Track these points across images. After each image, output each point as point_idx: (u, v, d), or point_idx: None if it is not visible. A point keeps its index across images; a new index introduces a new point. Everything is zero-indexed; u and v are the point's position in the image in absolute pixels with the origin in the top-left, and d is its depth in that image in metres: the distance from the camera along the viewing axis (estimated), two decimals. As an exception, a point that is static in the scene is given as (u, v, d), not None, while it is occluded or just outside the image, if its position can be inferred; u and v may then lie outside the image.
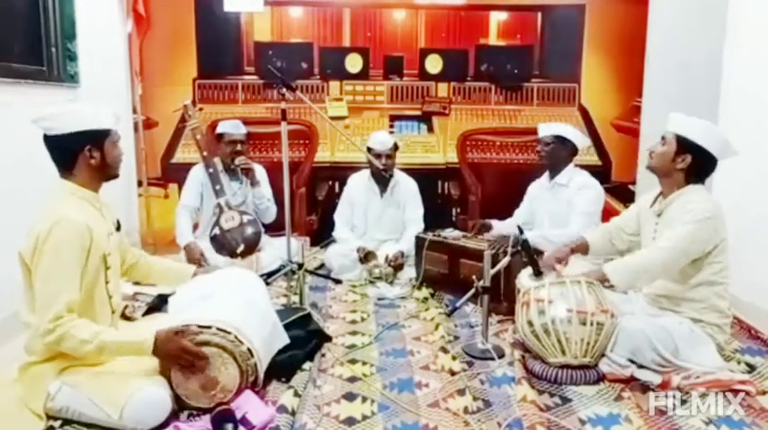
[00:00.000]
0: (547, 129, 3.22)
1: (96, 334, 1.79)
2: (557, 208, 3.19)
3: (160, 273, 2.37)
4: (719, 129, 2.29)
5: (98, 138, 1.93)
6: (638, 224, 2.52)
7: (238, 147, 3.48)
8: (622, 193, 4.12)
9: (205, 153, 3.44)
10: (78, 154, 1.91)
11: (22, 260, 1.83)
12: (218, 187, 3.42)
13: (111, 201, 2.13)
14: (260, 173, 3.61)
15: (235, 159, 3.49)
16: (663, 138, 2.33)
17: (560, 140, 3.17)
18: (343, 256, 3.52)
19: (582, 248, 2.62)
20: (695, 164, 2.26)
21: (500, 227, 3.35)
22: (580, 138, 3.23)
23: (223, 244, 3.41)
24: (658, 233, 2.35)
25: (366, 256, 3.42)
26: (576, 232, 2.95)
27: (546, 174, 3.31)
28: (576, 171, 3.22)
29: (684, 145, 2.26)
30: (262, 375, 2.03)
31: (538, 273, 2.44)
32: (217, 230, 3.42)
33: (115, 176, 2.03)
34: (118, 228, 2.10)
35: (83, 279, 1.85)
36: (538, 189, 3.38)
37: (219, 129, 3.53)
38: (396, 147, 3.60)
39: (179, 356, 1.86)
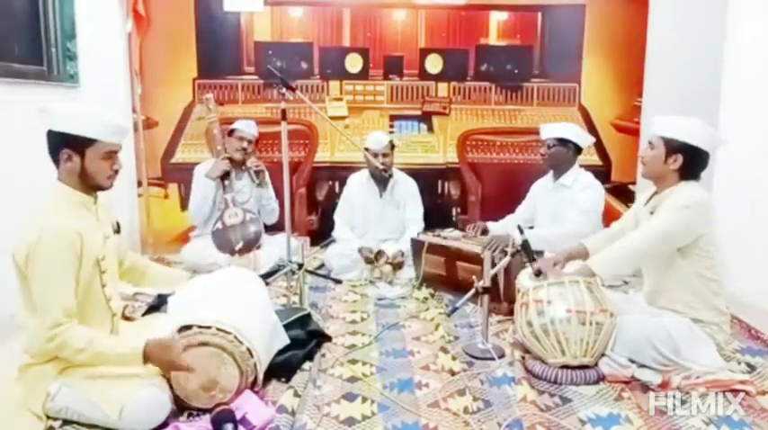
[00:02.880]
0: (548, 132, 3.21)
1: (90, 342, 1.79)
2: (559, 209, 3.19)
3: (155, 277, 2.35)
4: (704, 123, 2.29)
5: (78, 145, 1.87)
6: (636, 224, 2.52)
7: (245, 144, 3.54)
8: (622, 193, 4.12)
9: (219, 147, 3.51)
10: (57, 154, 1.88)
11: (16, 264, 1.83)
12: (226, 182, 3.46)
13: (110, 201, 2.13)
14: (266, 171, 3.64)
15: (246, 161, 3.56)
16: (650, 143, 2.34)
17: (563, 142, 3.16)
18: (343, 256, 3.52)
19: (582, 255, 2.57)
20: (687, 162, 2.26)
21: (496, 228, 3.35)
22: (583, 138, 3.23)
23: (223, 239, 3.44)
24: None
25: (376, 256, 3.41)
26: (571, 230, 2.95)
27: (550, 174, 3.30)
28: (581, 172, 3.21)
29: (673, 146, 2.26)
30: (261, 375, 2.03)
31: (538, 274, 2.44)
32: (219, 225, 3.47)
33: (100, 188, 1.96)
34: (117, 231, 2.09)
35: (78, 284, 1.85)
36: (541, 189, 3.37)
37: (233, 125, 3.61)
38: (392, 146, 3.60)
39: (168, 369, 1.88)
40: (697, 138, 2.25)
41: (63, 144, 1.87)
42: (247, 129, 3.57)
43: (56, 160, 1.90)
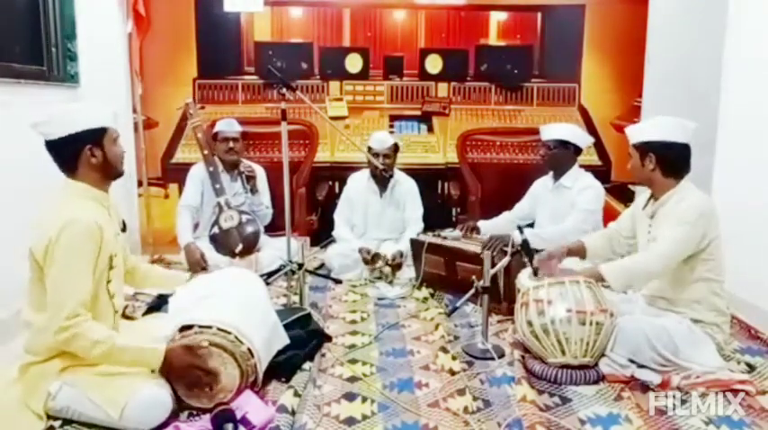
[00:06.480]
0: (549, 133, 3.20)
1: (110, 337, 1.80)
2: (559, 209, 3.19)
3: (154, 280, 2.36)
4: (669, 117, 2.33)
5: (96, 137, 1.92)
6: (634, 226, 2.53)
7: (231, 144, 3.51)
8: (622, 193, 4.12)
9: (206, 151, 3.48)
10: (79, 155, 1.90)
11: (33, 258, 1.83)
12: (217, 186, 3.45)
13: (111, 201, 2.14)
14: (260, 175, 3.63)
15: (237, 165, 3.54)
16: (629, 154, 2.41)
17: (563, 144, 3.16)
18: (344, 256, 3.52)
19: (579, 251, 2.61)
20: (662, 158, 2.30)
21: (488, 226, 3.34)
22: (583, 138, 3.23)
23: (222, 243, 3.43)
24: (652, 235, 2.36)
25: (373, 259, 3.42)
26: (569, 228, 2.96)
27: (550, 174, 3.30)
28: (581, 173, 3.21)
29: (643, 149, 2.33)
30: (261, 375, 2.04)
31: (538, 273, 2.45)
32: (216, 229, 3.45)
33: (120, 174, 2.03)
34: (123, 229, 2.10)
35: (93, 278, 1.86)
36: (541, 189, 3.37)
37: (215, 128, 3.58)
38: (396, 148, 3.61)
39: (188, 372, 1.87)
40: (662, 133, 2.29)
41: (83, 142, 1.90)
42: (228, 128, 3.54)
43: (72, 163, 1.91)
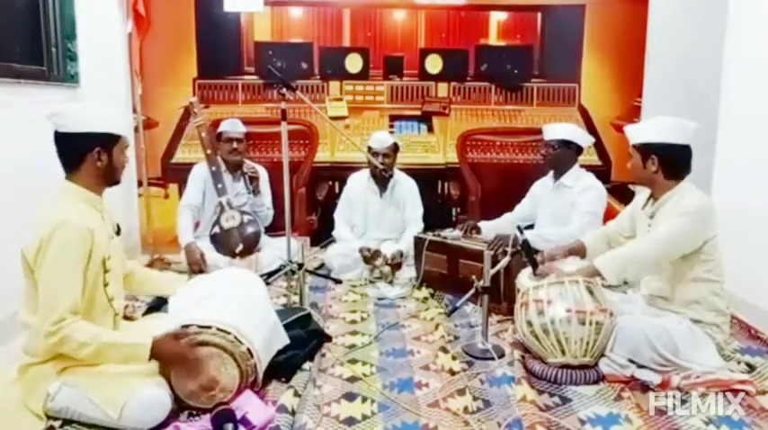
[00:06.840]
0: (553, 133, 3.20)
1: (95, 336, 1.79)
2: (559, 208, 3.19)
3: (152, 283, 2.35)
4: (670, 118, 2.32)
5: (108, 143, 1.93)
6: (633, 226, 2.53)
7: (235, 144, 3.50)
8: (622, 193, 4.12)
9: (209, 151, 3.48)
10: (86, 154, 1.91)
11: (25, 260, 1.83)
12: (219, 185, 3.45)
13: (111, 201, 2.13)
14: (262, 176, 3.63)
15: (240, 166, 3.54)
16: (629, 154, 2.40)
17: (566, 144, 3.16)
18: (344, 256, 3.52)
19: (579, 251, 2.61)
20: (664, 160, 2.29)
21: (489, 227, 3.34)
22: (585, 138, 3.23)
23: (222, 243, 3.43)
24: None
25: (373, 255, 3.41)
26: (575, 230, 2.95)
27: (550, 174, 3.30)
28: (582, 172, 3.21)
29: (645, 150, 2.32)
30: (261, 375, 2.04)
31: (537, 274, 2.45)
32: (217, 229, 3.45)
33: (117, 182, 2.03)
34: (118, 233, 2.10)
35: (84, 282, 1.86)
36: (541, 189, 3.37)
37: (219, 129, 3.57)
38: (396, 148, 3.60)
39: (173, 358, 1.86)
40: (665, 135, 2.28)
41: (94, 143, 1.90)
42: (232, 128, 3.53)
43: (76, 160, 1.91)
